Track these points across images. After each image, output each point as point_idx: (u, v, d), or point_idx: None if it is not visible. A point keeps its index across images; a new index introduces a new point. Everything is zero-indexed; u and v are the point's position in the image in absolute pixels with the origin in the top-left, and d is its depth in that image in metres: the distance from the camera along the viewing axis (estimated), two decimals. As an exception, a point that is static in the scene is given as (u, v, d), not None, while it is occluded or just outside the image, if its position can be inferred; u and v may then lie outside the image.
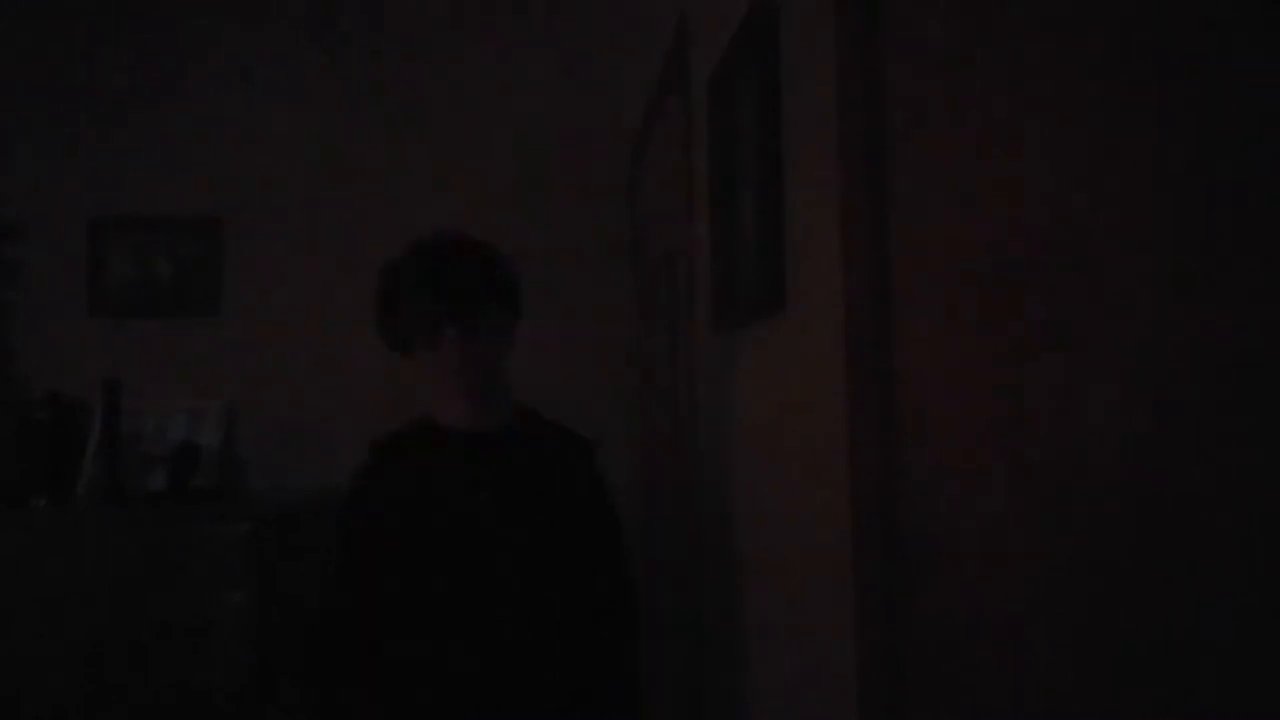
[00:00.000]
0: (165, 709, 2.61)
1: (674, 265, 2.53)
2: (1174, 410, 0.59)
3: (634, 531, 3.36)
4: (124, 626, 2.62)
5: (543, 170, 3.47)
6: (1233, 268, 0.54)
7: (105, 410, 2.78)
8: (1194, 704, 0.58)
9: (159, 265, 3.41)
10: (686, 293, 2.33)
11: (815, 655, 1.34)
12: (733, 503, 1.87)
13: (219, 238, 3.41)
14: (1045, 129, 0.74)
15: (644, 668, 1.53)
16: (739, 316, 1.72)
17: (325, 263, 3.44)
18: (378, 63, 3.47)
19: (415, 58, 3.49)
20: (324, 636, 1.54)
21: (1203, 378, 0.56)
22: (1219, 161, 0.55)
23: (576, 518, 1.59)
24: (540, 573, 1.54)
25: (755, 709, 1.73)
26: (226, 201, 3.42)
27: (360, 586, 1.54)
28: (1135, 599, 0.63)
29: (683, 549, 2.45)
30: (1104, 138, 0.66)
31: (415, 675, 1.50)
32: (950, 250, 0.91)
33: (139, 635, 2.62)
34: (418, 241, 1.60)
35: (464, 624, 1.50)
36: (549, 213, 3.47)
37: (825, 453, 1.26)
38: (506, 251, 3.45)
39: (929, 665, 0.98)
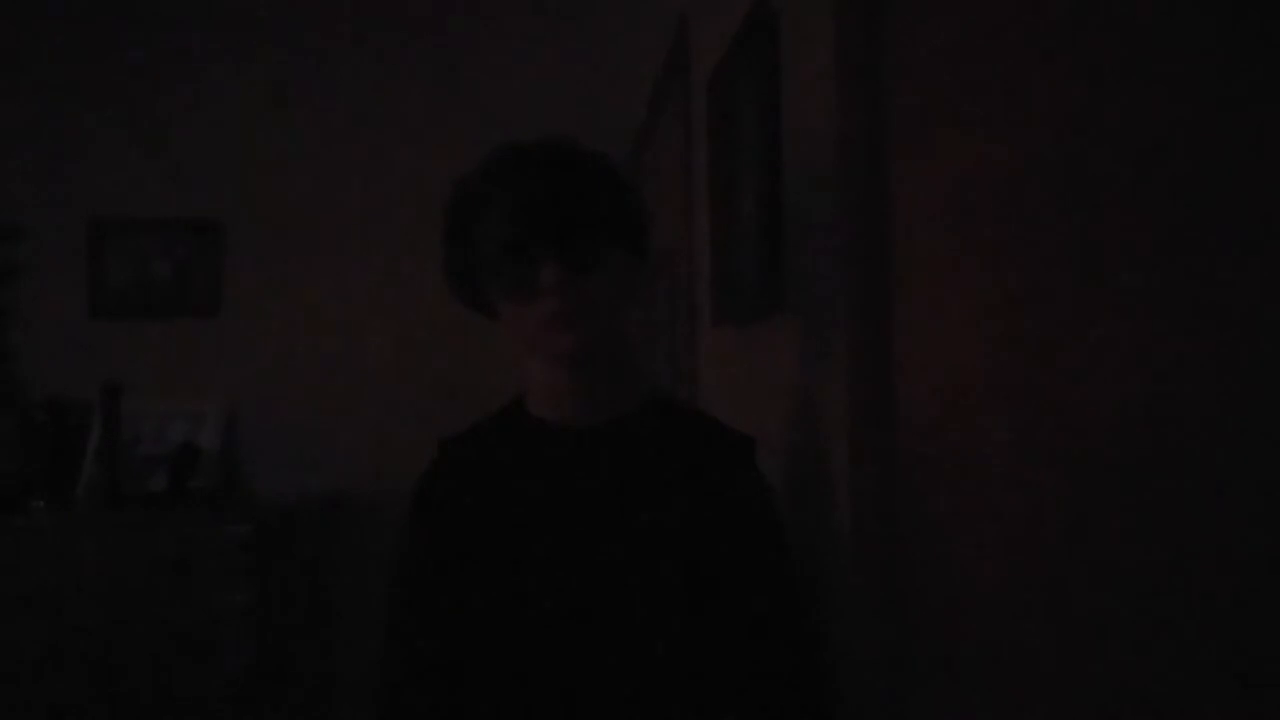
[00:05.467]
0: (166, 711, 2.61)
1: (674, 265, 2.53)
2: (1178, 410, 0.59)
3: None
4: (124, 628, 2.62)
5: (543, 170, 3.46)
6: (1239, 267, 0.54)
7: (105, 412, 2.77)
8: (1194, 704, 0.57)
9: (159, 266, 3.40)
10: (686, 292, 2.33)
11: (816, 656, 1.33)
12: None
13: (219, 239, 3.41)
14: (1048, 129, 0.74)
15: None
16: (739, 315, 1.72)
17: (325, 263, 3.43)
18: (378, 63, 3.47)
19: (415, 59, 3.49)
20: (393, 681, 1.15)
21: (1206, 378, 0.56)
22: (1223, 160, 0.55)
23: (729, 550, 1.11)
24: (674, 628, 1.08)
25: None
26: (227, 202, 3.41)
27: (431, 624, 1.14)
28: (1138, 600, 0.63)
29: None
30: (1108, 138, 0.66)
31: None
32: (950, 251, 0.91)
33: (139, 637, 2.62)
34: (503, 145, 1.14)
35: (563, 685, 1.08)
36: (549, 213, 3.47)
37: (825, 452, 1.26)
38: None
39: (930, 665, 0.98)
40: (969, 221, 0.87)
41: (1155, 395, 0.61)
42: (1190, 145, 0.57)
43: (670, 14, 2.51)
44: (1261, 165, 0.52)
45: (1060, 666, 0.72)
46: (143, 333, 3.36)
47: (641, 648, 1.08)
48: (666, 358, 2.73)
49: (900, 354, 1.04)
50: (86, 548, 2.66)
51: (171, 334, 3.37)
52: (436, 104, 3.46)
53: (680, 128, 2.34)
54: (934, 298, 0.96)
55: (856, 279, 1.09)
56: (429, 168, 3.49)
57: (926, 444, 0.98)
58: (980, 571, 0.86)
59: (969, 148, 0.87)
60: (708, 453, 1.17)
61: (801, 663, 1.13)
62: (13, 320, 3.28)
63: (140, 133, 3.40)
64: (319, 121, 3.44)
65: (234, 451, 2.96)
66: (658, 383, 1.17)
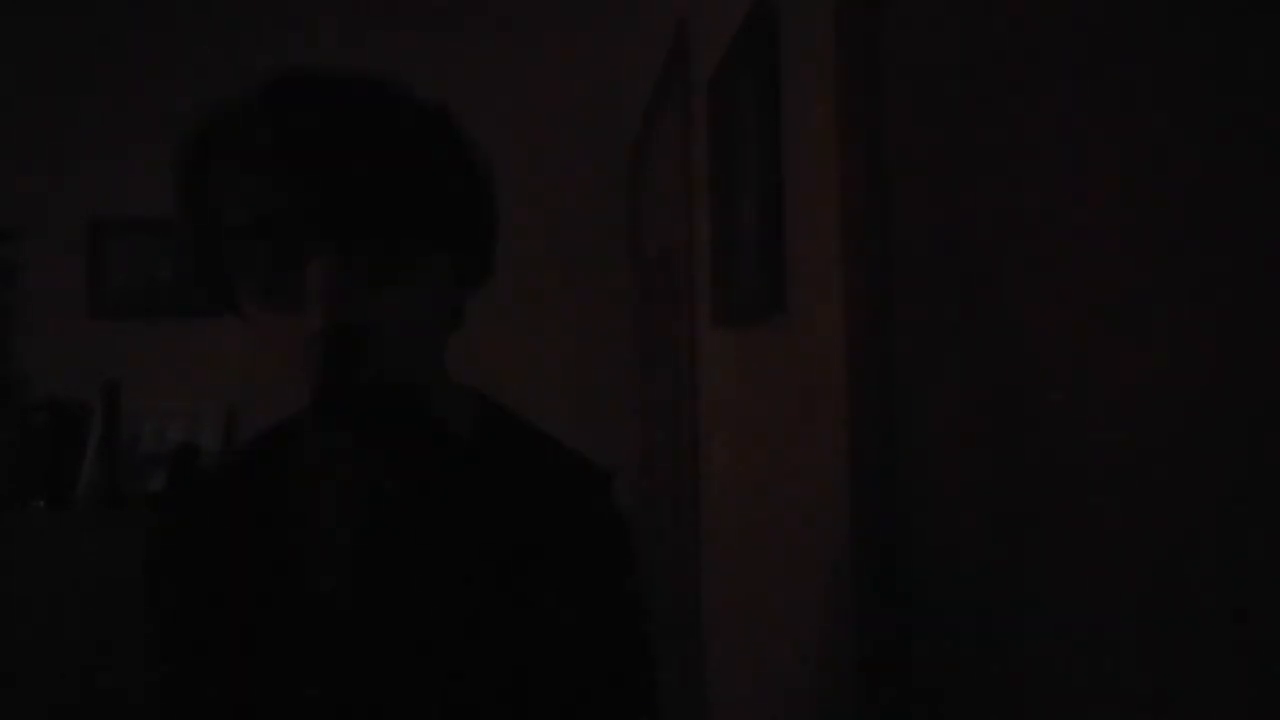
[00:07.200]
0: (165, 711, 2.60)
1: (674, 265, 2.53)
2: (1175, 410, 0.59)
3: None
4: (123, 629, 2.61)
5: (542, 170, 3.47)
6: (1237, 268, 0.54)
7: (104, 412, 2.77)
8: (1191, 705, 0.57)
9: (159, 266, 3.40)
10: (686, 293, 2.32)
11: (816, 656, 1.33)
12: (733, 502, 1.87)
13: (219, 238, 3.40)
14: (1049, 130, 0.74)
15: None
16: (739, 316, 1.72)
17: (325, 263, 3.42)
18: (375, 62, 3.46)
19: (416, 58, 3.48)
20: None
21: (1204, 380, 0.56)
22: (1223, 162, 0.55)
23: (567, 619, 0.80)
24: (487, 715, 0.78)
25: (757, 710, 1.73)
26: (226, 202, 3.41)
27: (174, 700, 0.86)
28: (1141, 601, 0.63)
29: (682, 549, 2.45)
30: (1110, 141, 0.66)
31: None
32: (951, 251, 0.91)
33: (138, 638, 2.61)
34: (283, 68, 0.78)
35: None
36: (548, 212, 3.47)
37: (825, 453, 1.26)
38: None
39: (930, 666, 0.98)
40: (969, 221, 0.87)
41: (1154, 394, 0.61)
42: (1190, 145, 0.57)
43: (670, 14, 2.51)
44: (1262, 164, 0.52)
45: (1060, 667, 0.72)
46: (143, 333, 3.36)
47: None
48: (666, 358, 2.73)
49: (900, 356, 1.04)
50: (86, 548, 2.66)
51: (171, 334, 3.37)
52: (436, 104, 3.46)
53: (680, 128, 2.34)
54: (934, 299, 0.95)
55: (856, 279, 1.09)
56: (429, 168, 3.49)
57: (926, 444, 0.98)
58: (982, 571, 0.86)
59: (969, 147, 0.87)
60: (547, 485, 0.85)
61: None
62: (13, 320, 3.28)
63: (140, 133, 3.40)
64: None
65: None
66: (489, 399, 0.88)
